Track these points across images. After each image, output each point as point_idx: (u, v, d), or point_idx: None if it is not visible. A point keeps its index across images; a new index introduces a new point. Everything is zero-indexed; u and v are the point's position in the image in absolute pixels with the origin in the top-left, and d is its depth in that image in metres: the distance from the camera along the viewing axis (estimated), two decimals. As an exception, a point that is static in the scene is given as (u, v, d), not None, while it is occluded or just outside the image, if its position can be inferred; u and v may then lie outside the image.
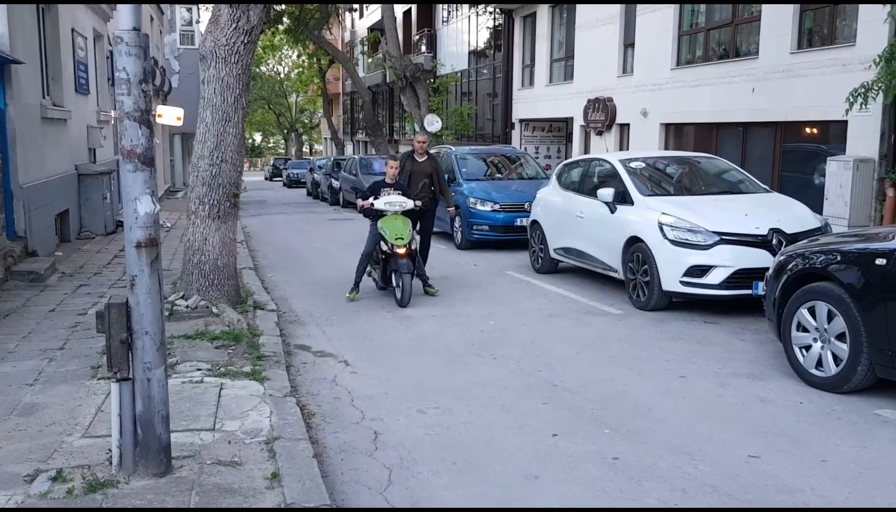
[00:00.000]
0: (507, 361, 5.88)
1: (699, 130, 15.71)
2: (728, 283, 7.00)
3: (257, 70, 48.64)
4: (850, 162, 11.03)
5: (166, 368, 3.47)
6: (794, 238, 6.78)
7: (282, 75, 58.73)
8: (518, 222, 11.87)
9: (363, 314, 7.67)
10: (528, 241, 10.50)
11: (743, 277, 6.92)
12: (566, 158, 22.56)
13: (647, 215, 7.66)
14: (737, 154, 13.80)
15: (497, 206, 12.22)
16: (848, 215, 10.75)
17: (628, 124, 18.00)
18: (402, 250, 7.87)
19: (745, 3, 14.41)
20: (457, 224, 12.75)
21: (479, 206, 12.35)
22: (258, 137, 74.36)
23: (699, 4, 15.87)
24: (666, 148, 16.21)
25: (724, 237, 7.09)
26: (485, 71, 27.73)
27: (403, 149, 33.33)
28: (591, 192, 8.81)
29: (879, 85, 9.43)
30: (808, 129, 12.97)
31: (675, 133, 16.59)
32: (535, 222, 10.21)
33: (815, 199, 10.93)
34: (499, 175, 14.13)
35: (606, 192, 8.26)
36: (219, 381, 4.96)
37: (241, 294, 7.64)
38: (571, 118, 20.77)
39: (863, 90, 9.56)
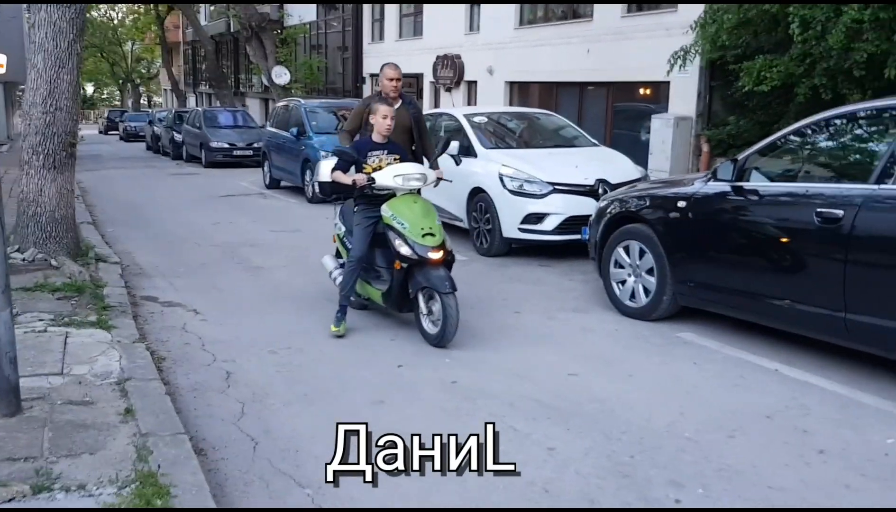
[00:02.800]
0: (362, 311, 6.15)
1: (541, 89, 16.47)
2: (560, 229, 7.60)
3: (88, 15, 45.33)
4: (672, 120, 12.06)
5: (11, 310, 3.48)
6: (617, 187, 7.44)
7: (115, 21, 54.96)
8: (368, 175, 12.03)
9: (212, 267, 7.66)
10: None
11: (573, 223, 7.53)
12: (416, 114, 22.81)
13: (489, 167, 8.11)
14: (574, 112, 14.64)
15: (348, 160, 12.31)
16: (669, 168, 11.78)
17: (476, 81, 18.53)
18: (437, 254, 4.87)
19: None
20: (308, 178, 12.79)
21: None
22: (90, 88, 69.53)
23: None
24: (511, 105, 16.87)
25: (556, 187, 7.66)
26: (334, 23, 27.39)
27: (251, 102, 32.42)
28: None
29: (696, 48, 10.36)
30: (636, 90, 13.98)
31: (520, 91, 17.29)
32: (384, 175, 10.43)
33: (641, 154, 11.86)
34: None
35: (452, 146, 8.62)
36: (63, 330, 4.92)
37: (81, 247, 7.42)
38: (422, 74, 21.06)
39: (682, 53, 10.48)
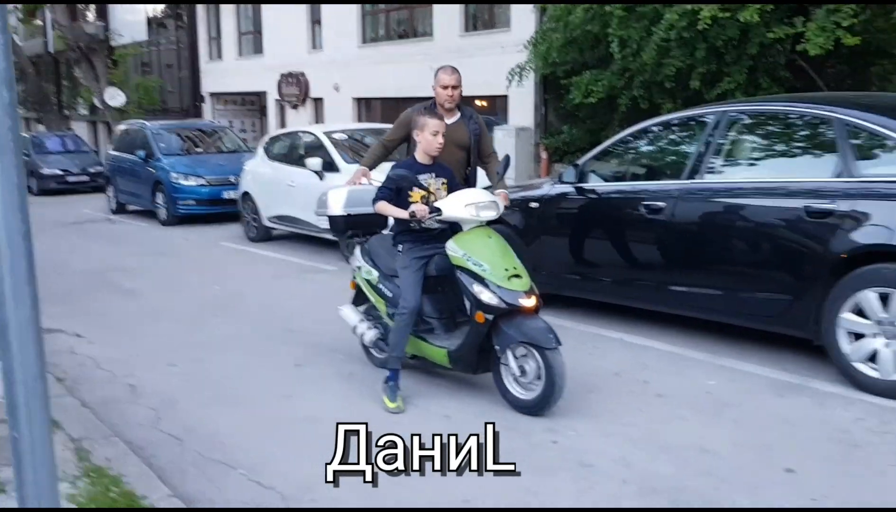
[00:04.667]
0: (243, 318, 6.49)
1: (388, 105, 17.15)
2: (424, 234, 8.24)
3: None
4: (513, 130, 13.12)
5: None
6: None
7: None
8: (225, 195, 12.22)
9: (81, 294, 7.66)
10: (240, 213, 10.97)
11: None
12: (261, 133, 22.88)
13: (352, 180, 8.62)
14: (421, 125, 15.43)
15: (203, 181, 12.44)
16: (514, 174, 12.78)
17: (322, 98, 18.93)
18: (530, 301, 4.01)
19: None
20: (160, 200, 12.76)
21: (182, 181, 12.44)
22: None
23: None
24: (360, 121, 17.45)
25: (418, 196, 8.30)
26: (166, 42, 26.80)
27: (77, 125, 30.84)
28: (300, 162, 9.58)
29: (531, 65, 11.41)
30: (479, 103, 14.97)
31: (367, 107, 17.90)
32: (246, 194, 10.72)
33: (487, 163, 12.78)
34: (198, 149, 14.23)
35: (315, 162, 9.08)
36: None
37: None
38: (265, 92, 21.18)
39: (518, 69, 11.50)
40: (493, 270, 3.98)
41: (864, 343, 4.21)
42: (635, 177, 5.76)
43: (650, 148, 5.88)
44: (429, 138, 4.27)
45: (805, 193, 4.54)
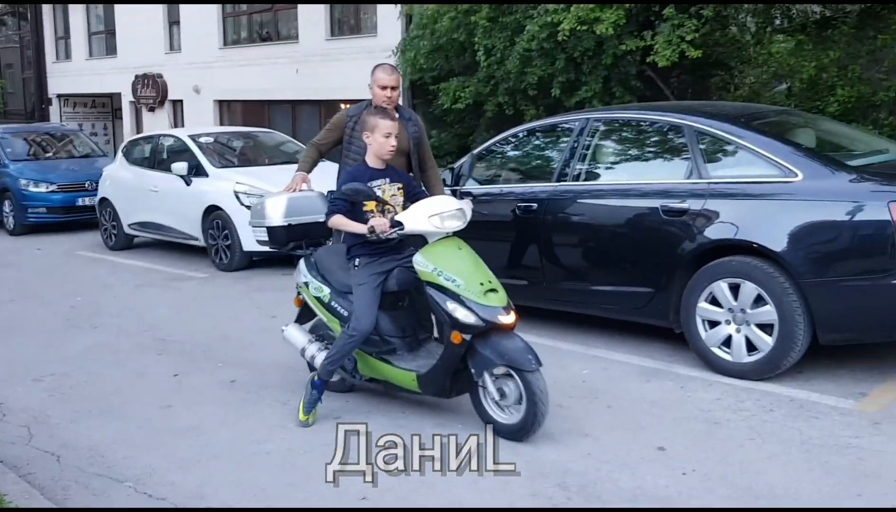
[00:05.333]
0: (108, 328, 6.22)
1: (252, 107, 16.82)
2: (298, 239, 8.18)
3: None
4: (381, 134, 13.20)
5: None
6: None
7: None
8: (80, 202, 11.59)
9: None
10: (99, 220, 10.43)
11: (310, 233, 8.17)
12: (114, 136, 21.81)
13: (222, 185, 8.45)
14: (288, 128, 15.23)
15: (54, 187, 11.74)
16: (383, 179, 12.89)
17: (181, 100, 18.29)
18: (508, 317, 3.73)
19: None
20: (6, 209, 11.94)
21: (32, 188, 11.70)
22: None
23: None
24: (221, 123, 17.00)
25: (291, 200, 8.24)
26: (5, 40, 24.98)
27: None
28: (164, 167, 9.25)
29: (398, 70, 11.54)
30: (346, 107, 14.98)
31: (229, 109, 17.47)
32: (104, 200, 10.21)
33: (356, 167, 12.82)
34: (48, 154, 13.39)
35: (180, 166, 8.80)
36: None
37: None
38: (119, 94, 20.21)
39: (386, 75, 11.60)
40: (468, 284, 3.65)
41: (718, 330, 4.61)
42: (509, 180, 6.01)
43: (521, 152, 6.16)
44: (381, 141, 3.97)
45: (661, 194, 4.92)
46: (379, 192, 3.98)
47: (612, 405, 4.26)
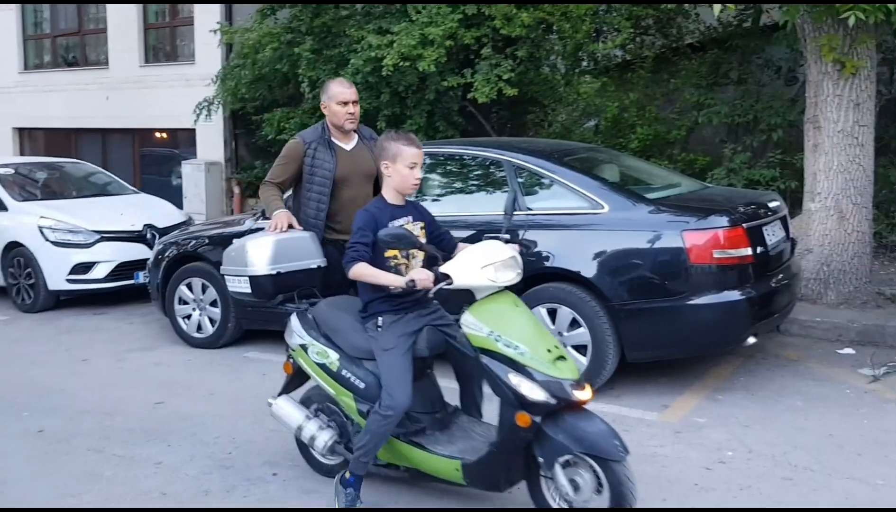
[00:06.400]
0: None
1: (57, 135, 15.69)
2: (112, 276, 7.71)
3: None
4: (202, 165, 12.79)
5: None
6: (165, 231, 7.87)
7: None
8: None
9: None
10: None
11: (125, 269, 7.73)
12: None
13: (25, 220, 7.82)
14: (98, 158, 14.34)
15: None
16: (205, 210, 12.47)
17: (-27, 128, 16.70)
18: (584, 392, 2.99)
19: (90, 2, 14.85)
20: None
21: None
22: None
23: (44, 6, 15.75)
24: (22, 153, 15.72)
25: (104, 235, 7.76)
26: None
27: None
28: (-46, 200, 8.39)
29: (219, 100, 11.28)
30: (162, 136, 14.37)
31: (31, 138, 16.20)
32: None
33: (175, 198, 12.27)
34: None
35: (-26, 200, 8.03)
36: None
37: None
38: None
39: (206, 103, 11.30)
40: (533, 351, 2.96)
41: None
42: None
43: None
44: (404, 173, 3.27)
45: (484, 225, 5.14)
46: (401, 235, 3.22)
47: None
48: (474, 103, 9.32)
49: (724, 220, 4.68)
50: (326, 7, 10.07)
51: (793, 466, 3.78)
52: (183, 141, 13.94)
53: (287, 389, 3.73)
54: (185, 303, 6.29)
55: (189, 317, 6.29)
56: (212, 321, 6.17)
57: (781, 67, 9.92)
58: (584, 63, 10.74)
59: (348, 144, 4.14)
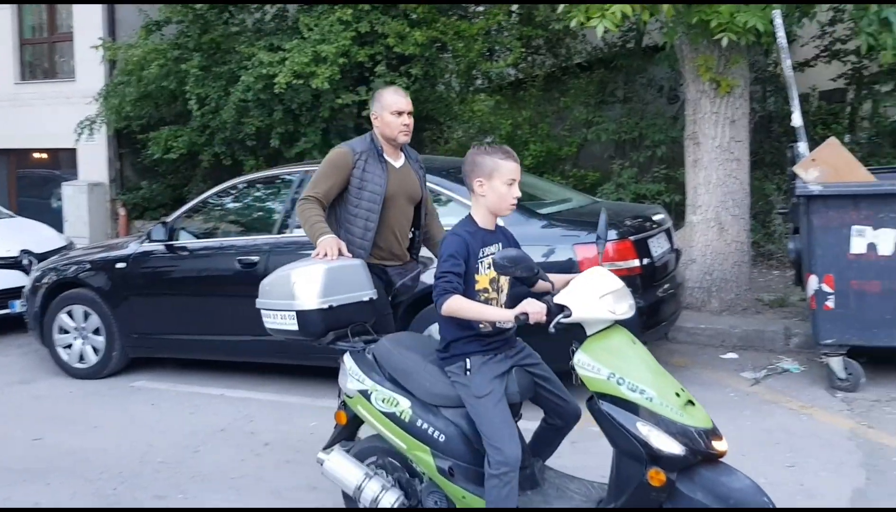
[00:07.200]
0: None
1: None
2: (-15, 305, 7.23)
3: None
4: (84, 186, 12.19)
5: None
6: (43, 257, 7.43)
7: None
8: None
9: None
10: None
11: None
12: None
13: None
14: (-32, 180, 13.46)
15: None
16: (88, 234, 11.86)
17: None
18: (722, 443, 2.58)
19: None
20: None
21: None
22: None
23: None
24: None
25: (-26, 262, 7.28)
26: None
27: None
28: None
29: (102, 118, 10.81)
30: (41, 156, 13.61)
31: None
32: None
33: (56, 221, 11.63)
34: None
35: None
36: None
37: None
38: None
39: (88, 122, 10.82)
40: (662, 397, 2.55)
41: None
42: (229, 232, 5.85)
43: (241, 204, 6.04)
44: (502, 191, 2.83)
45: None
46: (487, 266, 2.87)
47: (342, 454, 4.27)
48: (370, 120, 9.27)
49: (612, 234, 4.82)
50: (215, 23, 9.84)
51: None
52: (64, 161, 13.24)
53: (337, 441, 3.25)
54: (66, 332, 5.96)
55: (70, 346, 5.95)
56: (95, 350, 5.87)
57: (664, 86, 10.40)
58: (479, 81, 10.91)
59: (397, 161, 3.72)
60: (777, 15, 5.46)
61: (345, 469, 3.06)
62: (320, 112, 9.24)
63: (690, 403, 2.59)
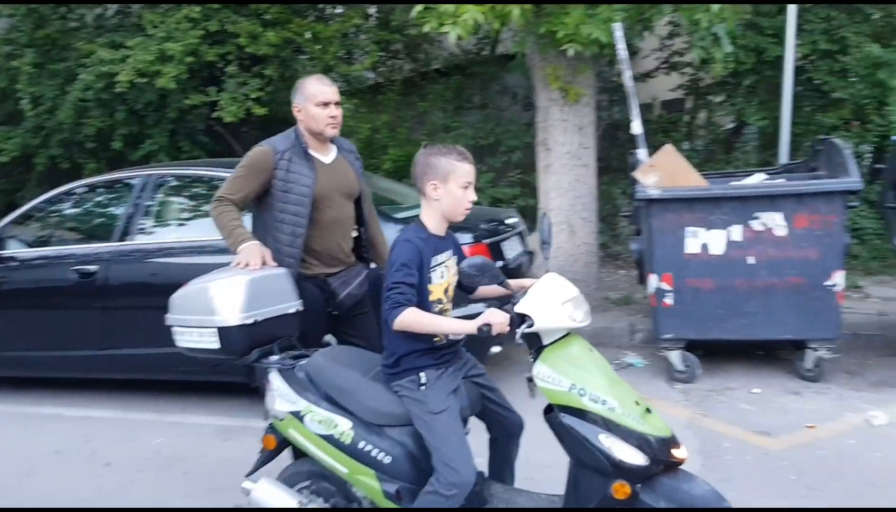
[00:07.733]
0: None
1: None
2: None
3: None
4: None
5: None
6: None
7: None
8: None
9: None
10: None
11: None
12: None
13: None
14: None
15: None
16: None
17: None
18: (682, 449, 2.49)
19: None
20: None
21: None
22: None
23: None
24: None
25: None
26: None
27: None
28: None
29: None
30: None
31: None
32: None
33: None
34: None
35: None
36: None
37: None
38: None
39: None
40: (623, 406, 2.47)
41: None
42: (65, 240, 5.46)
43: (79, 210, 5.65)
44: (457, 194, 2.70)
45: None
46: (442, 272, 2.73)
47: (189, 471, 4.08)
48: (222, 122, 8.97)
49: (468, 237, 4.89)
50: (51, 18, 9.19)
51: (538, 466, 3.99)
52: None
53: (261, 467, 2.96)
54: None
55: None
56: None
57: (517, 94, 10.70)
58: (337, 84, 10.77)
59: (327, 156, 3.41)
60: (617, 28, 5.74)
61: (276, 498, 2.80)
62: (167, 113, 8.85)
63: (648, 411, 2.52)
